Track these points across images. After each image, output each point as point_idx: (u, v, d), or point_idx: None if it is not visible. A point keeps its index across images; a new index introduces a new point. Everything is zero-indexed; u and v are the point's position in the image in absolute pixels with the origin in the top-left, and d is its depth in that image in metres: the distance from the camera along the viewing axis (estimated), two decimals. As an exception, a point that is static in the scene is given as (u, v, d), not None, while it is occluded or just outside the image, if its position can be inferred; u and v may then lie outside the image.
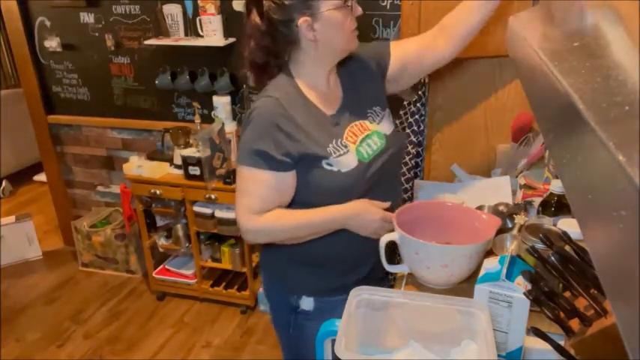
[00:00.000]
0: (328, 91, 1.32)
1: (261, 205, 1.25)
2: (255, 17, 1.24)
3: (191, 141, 2.63)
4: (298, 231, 1.28)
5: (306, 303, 1.37)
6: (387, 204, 1.31)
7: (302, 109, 1.26)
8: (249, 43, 1.28)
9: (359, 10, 1.25)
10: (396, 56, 1.40)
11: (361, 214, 1.26)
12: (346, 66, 1.36)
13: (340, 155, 1.26)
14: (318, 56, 1.26)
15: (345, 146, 1.27)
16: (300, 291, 1.38)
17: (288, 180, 1.26)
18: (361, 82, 1.37)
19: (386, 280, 1.49)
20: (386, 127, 1.38)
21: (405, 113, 2.02)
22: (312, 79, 1.29)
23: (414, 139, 2.05)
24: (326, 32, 1.22)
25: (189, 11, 2.62)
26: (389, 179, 1.38)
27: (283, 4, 1.19)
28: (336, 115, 1.31)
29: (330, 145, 1.26)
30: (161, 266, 2.95)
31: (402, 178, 1.96)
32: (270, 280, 1.47)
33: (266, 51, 1.26)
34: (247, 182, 1.26)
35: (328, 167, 1.25)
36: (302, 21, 1.19)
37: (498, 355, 0.96)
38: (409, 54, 1.41)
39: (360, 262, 1.37)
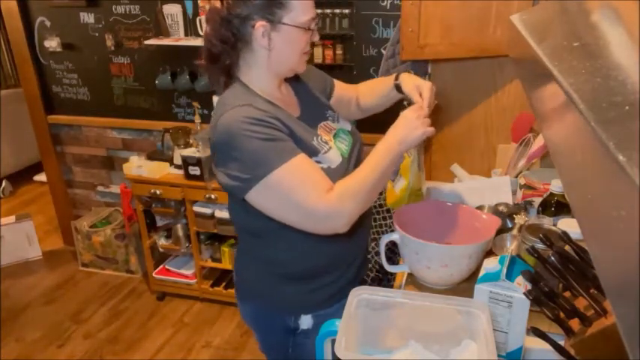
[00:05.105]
0: (283, 97, 1.28)
1: (324, 178, 1.13)
2: (217, 1, 1.17)
3: (191, 141, 2.64)
4: (374, 181, 1.13)
5: (305, 322, 1.31)
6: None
7: (276, 111, 1.19)
8: (207, 29, 1.20)
9: (316, 37, 1.22)
10: (336, 91, 1.50)
11: (400, 122, 1.19)
12: (299, 80, 1.36)
13: (326, 152, 1.21)
14: (268, 65, 1.20)
15: (326, 142, 1.24)
16: (297, 310, 1.31)
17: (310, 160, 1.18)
18: (314, 93, 1.38)
19: (379, 280, 1.49)
20: (345, 124, 1.38)
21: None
22: (264, 85, 1.22)
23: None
24: (281, 45, 1.17)
25: (189, 11, 2.62)
26: None
27: None
28: (302, 117, 1.27)
29: (314, 141, 1.21)
30: (161, 266, 2.95)
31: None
32: (257, 304, 1.36)
33: (221, 40, 1.17)
34: (292, 176, 1.10)
35: (319, 165, 1.19)
36: (259, 25, 1.13)
37: (498, 355, 0.96)
38: (342, 96, 1.52)
39: (344, 266, 1.32)
